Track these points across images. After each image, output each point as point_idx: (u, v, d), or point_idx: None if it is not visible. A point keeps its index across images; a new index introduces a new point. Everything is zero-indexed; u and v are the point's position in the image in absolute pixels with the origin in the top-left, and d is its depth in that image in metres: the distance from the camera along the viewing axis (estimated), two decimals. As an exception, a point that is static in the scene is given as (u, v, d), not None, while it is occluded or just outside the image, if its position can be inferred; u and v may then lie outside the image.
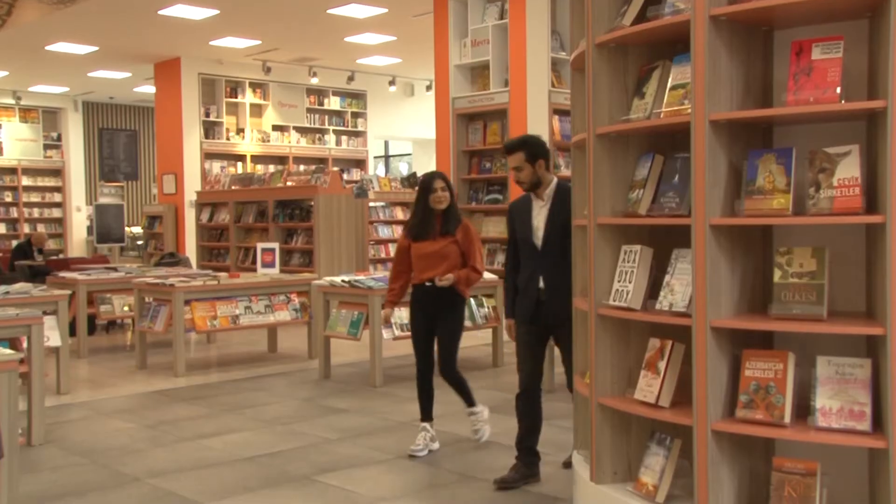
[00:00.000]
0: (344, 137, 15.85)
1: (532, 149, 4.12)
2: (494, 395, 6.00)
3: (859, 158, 2.72)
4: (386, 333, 6.46)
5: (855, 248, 2.98)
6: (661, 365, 3.14)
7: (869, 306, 2.94)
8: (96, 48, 12.92)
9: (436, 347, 4.71)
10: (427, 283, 4.62)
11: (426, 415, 4.73)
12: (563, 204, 3.99)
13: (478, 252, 4.70)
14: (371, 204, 11.00)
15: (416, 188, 4.72)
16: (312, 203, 10.40)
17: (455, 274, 4.60)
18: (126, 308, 8.27)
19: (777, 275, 2.87)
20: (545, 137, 8.82)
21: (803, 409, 2.82)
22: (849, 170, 2.72)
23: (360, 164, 15.92)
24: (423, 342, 4.71)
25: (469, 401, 4.80)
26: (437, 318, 4.65)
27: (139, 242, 15.00)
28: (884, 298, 2.61)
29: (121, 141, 18.14)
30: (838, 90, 2.72)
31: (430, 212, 4.60)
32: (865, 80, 2.91)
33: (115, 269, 8.85)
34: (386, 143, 18.36)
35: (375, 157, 17.25)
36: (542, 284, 4.06)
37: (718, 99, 2.90)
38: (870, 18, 2.90)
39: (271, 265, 8.02)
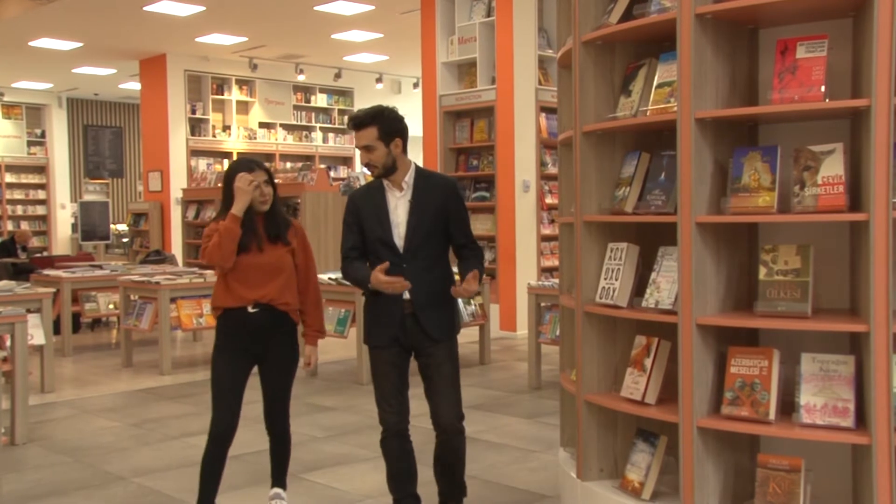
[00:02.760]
0: (331, 135, 15.81)
1: (387, 124, 3.32)
2: (483, 393, 6.00)
3: (843, 157, 2.74)
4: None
5: (839, 245, 3.00)
6: (648, 362, 3.15)
7: (853, 303, 2.96)
8: (81, 44, 12.82)
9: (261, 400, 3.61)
10: (252, 309, 3.43)
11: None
12: (429, 194, 3.33)
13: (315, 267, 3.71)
14: (358, 201, 10.97)
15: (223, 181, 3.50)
16: (299, 200, 10.38)
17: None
18: (111, 306, 8.22)
19: (762, 272, 2.89)
20: (532, 135, 8.89)
21: (788, 406, 2.84)
22: (833, 168, 2.73)
23: (347, 161, 15.89)
24: (233, 393, 3.44)
25: (283, 478, 3.73)
26: (264, 356, 3.52)
27: (125, 240, 14.92)
28: (867, 295, 2.63)
29: (106, 138, 18.04)
30: (823, 89, 2.73)
31: (249, 211, 3.42)
32: (849, 78, 2.93)
33: (100, 267, 8.79)
34: (373, 141, 18.32)
35: (362, 155, 17.22)
36: (408, 296, 3.27)
37: (704, 97, 2.91)
38: (853, 17, 2.91)
39: (258, 263, 7.97)
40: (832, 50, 2.80)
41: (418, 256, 3.29)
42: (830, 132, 2.91)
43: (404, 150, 3.37)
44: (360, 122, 3.34)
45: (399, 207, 3.33)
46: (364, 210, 3.37)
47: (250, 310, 3.44)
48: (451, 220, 3.37)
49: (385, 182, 3.37)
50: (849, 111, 2.83)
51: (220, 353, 3.49)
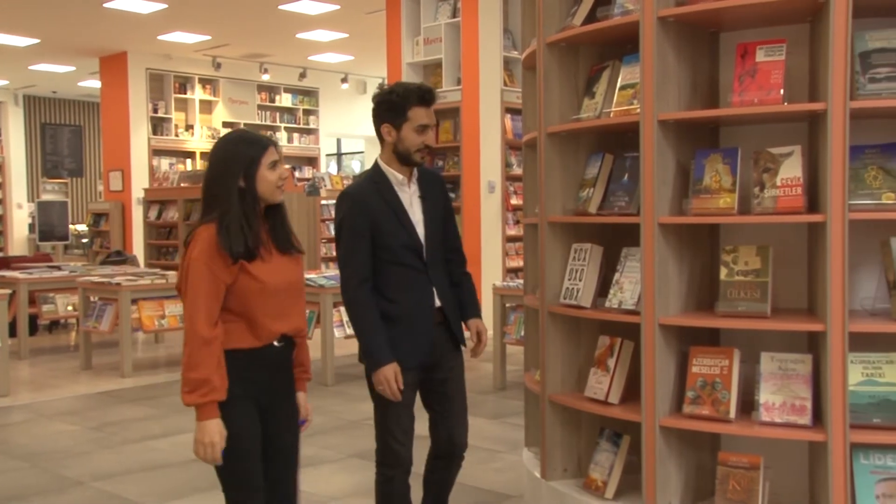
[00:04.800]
0: (296, 135, 15.70)
1: (375, 109, 2.90)
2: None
3: (801, 159, 2.79)
4: (337, 332, 6.43)
5: (798, 246, 3.06)
6: (611, 362, 3.18)
7: (810, 303, 3.02)
8: (38, 40, 12.57)
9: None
10: (278, 343, 2.44)
11: None
12: (432, 188, 2.95)
13: None
14: (323, 202, 11.00)
15: (211, 160, 2.44)
16: (263, 201, 10.31)
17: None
18: (70, 308, 8.07)
19: (723, 273, 2.93)
20: (497, 136, 8.91)
21: (748, 405, 2.88)
22: (791, 170, 2.78)
23: (313, 161, 15.79)
24: (258, 460, 2.46)
25: None
26: (271, 407, 2.48)
27: (84, 240, 14.65)
28: (824, 296, 2.68)
29: (64, 136, 17.71)
30: (781, 92, 2.78)
31: (254, 208, 2.41)
32: (807, 82, 2.98)
33: (58, 268, 8.63)
34: (338, 141, 18.23)
35: (328, 155, 17.13)
36: (438, 303, 2.91)
37: (667, 99, 2.95)
38: (811, 23, 2.97)
39: (221, 263, 7.90)
40: (790, 54, 2.85)
41: (436, 260, 2.92)
42: (789, 135, 2.96)
43: (401, 135, 2.88)
44: (434, 96, 2.91)
45: (414, 204, 2.90)
46: (377, 211, 2.82)
47: (276, 344, 2.46)
48: (447, 218, 3.02)
49: (392, 173, 2.88)
50: (806, 114, 2.88)
51: (240, 409, 2.38)
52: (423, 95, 2.84)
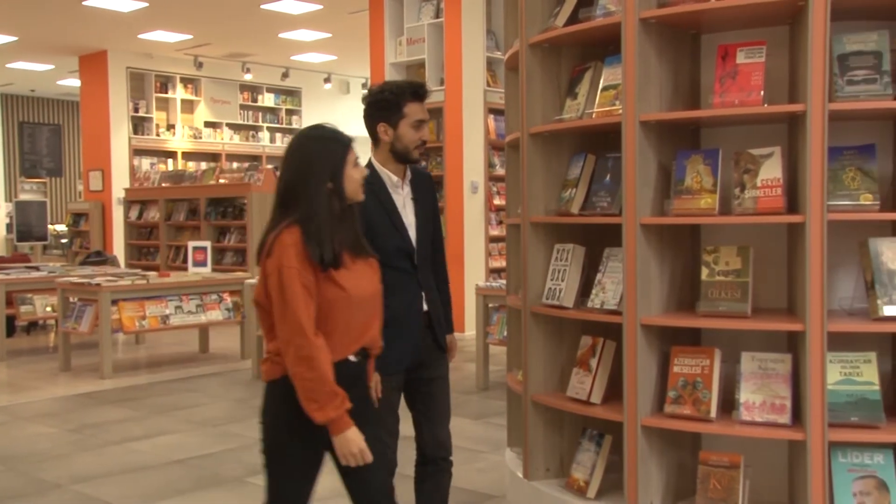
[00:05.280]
0: (278, 135, 15.63)
1: (367, 109, 2.85)
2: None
3: (781, 160, 2.81)
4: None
5: (777, 246, 3.08)
6: (593, 362, 3.19)
7: (790, 303, 3.04)
8: (15, 38, 12.43)
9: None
10: (354, 357, 2.28)
11: None
12: (422, 188, 2.90)
13: None
14: (305, 202, 10.94)
15: (291, 159, 2.30)
16: (246, 201, 10.26)
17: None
18: (48, 308, 7.99)
19: (704, 273, 2.94)
20: (480, 136, 8.92)
21: (728, 404, 2.90)
22: (771, 171, 2.80)
23: (295, 161, 15.72)
24: (308, 483, 2.32)
25: None
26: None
27: (63, 241, 14.51)
28: (803, 295, 2.70)
29: (43, 136, 17.53)
30: (762, 93, 2.80)
31: (343, 211, 2.30)
32: (787, 83, 3.01)
33: (36, 269, 8.55)
34: (321, 141, 18.18)
35: (310, 155, 17.05)
36: (426, 307, 2.86)
37: (648, 100, 2.96)
38: (790, 25, 2.99)
39: (203, 264, 7.87)
40: (770, 56, 2.87)
41: (425, 263, 2.88)
42: (769, 136, 2.99)
43: (398, 134, 2.81)
44: (426, 91, 2.84)
45: (407, 206, 2.83)
46: (372, 212, 2.68)
47: (352, 359, 2.26)
48: (434, 218, 2.95)
49: (388, 174, 2.80)
50: (786, 115, 2.91)
51: (292, 444, 2.22)
52: (417, 91, 2.80)
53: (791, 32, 2.99)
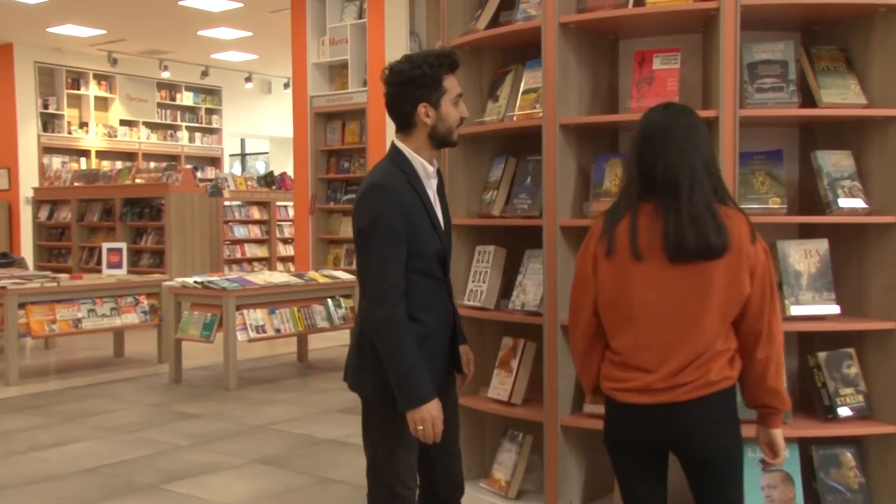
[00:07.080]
0: (198, 134, 15.28)
1: (399, 90, 2.37)
2: (355, 396, 5.94)
3: (695, 164, 2.89)
4: (240, 335, 6.28)
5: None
6: (514, 363, 3.21)
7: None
8: (-86, 29, 11.83)
9: None
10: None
11: None
12: (441, 182, 2.48)
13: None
14: (226, 203, 10.76)
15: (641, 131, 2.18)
16: (163, 202, 9.99)
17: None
18: (-50, 313, 7.59)
19: (621, 274, 3.00)
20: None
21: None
22: (686, 174, 2.88)
23: (215, 162, 15.40)
24: None
25: None
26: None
27: (-33, 242, 13.85)
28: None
29: (-55, 131, 16.65)
30: (677, 99, 2.88)
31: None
32: (700, 90, 3.10)
33: (-63, 271, 8.12)
34: (242, 141, 17.84)
35: (231, 156, 16.74)
36: (454, 321, 2.46)
37: (568, 104, 3.01)
38: (703, 33, 3.09)
39: (118, 266, 7.64)
40: (685, 63, 2.96)
41: (449, 269, 2.44)
42: (683, 141, 3.06)
43: (440, 116, 2.36)
44: (459, 60, 2.40)
45: (435, 202, 2.39)
46: (414, 210, 2.28)
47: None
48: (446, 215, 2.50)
49: (423, 164, 2.35)
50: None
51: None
52: (455, 60, 2.36)
53: (704, 40, 3.08)
